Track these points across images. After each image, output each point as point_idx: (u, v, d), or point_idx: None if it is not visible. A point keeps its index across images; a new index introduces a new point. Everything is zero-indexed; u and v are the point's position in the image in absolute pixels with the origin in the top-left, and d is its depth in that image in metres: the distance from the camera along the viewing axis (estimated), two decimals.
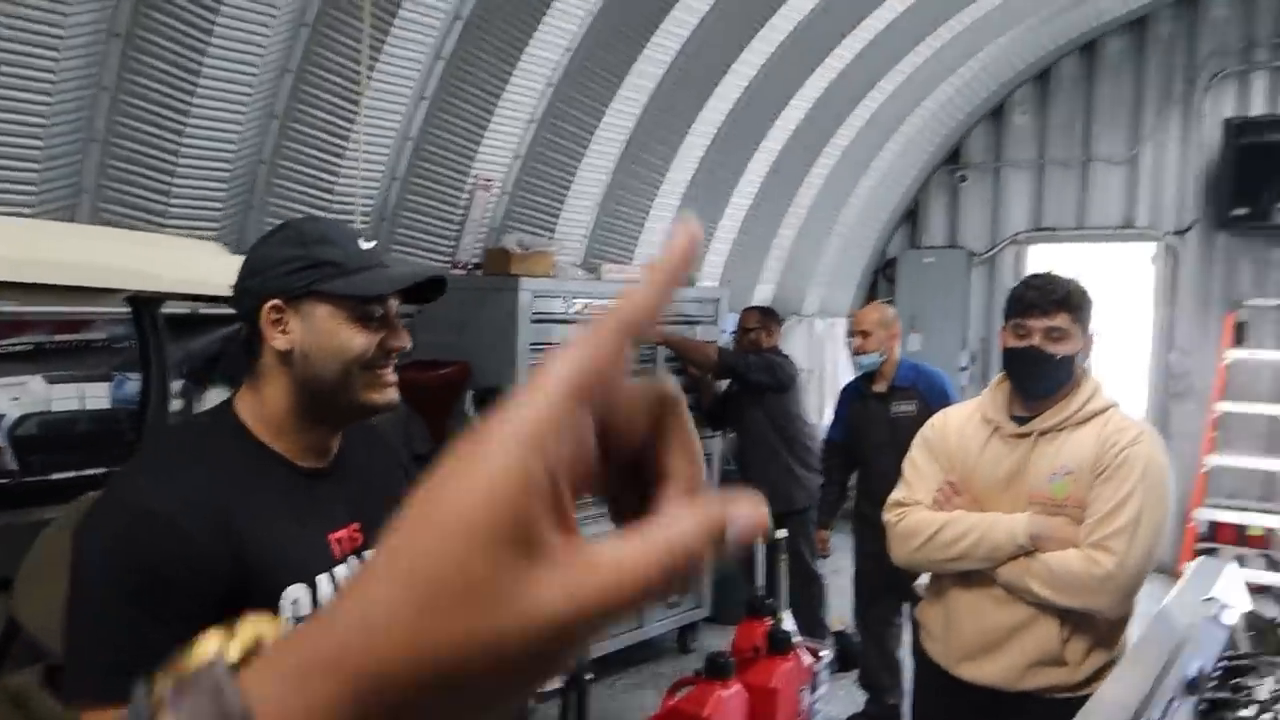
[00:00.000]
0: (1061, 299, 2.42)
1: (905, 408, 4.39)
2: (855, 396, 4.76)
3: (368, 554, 1.45)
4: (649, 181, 6.16)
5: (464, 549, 0.33)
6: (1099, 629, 2.38)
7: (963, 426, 2.59)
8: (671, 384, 0.40)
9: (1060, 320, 2.41)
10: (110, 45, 3.96)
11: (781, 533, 4.60)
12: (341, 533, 1.47)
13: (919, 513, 2.52)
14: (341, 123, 4.62)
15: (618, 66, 5.54)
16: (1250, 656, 2.42)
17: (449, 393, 4.74)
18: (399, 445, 1.79)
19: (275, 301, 1.42)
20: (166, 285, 2.51)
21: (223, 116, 4.31)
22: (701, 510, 0.37)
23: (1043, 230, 8.34)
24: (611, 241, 6.14)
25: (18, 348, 3.77)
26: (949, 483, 2.52)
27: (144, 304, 2.98)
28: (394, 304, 1.47)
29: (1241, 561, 6.91)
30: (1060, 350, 2.41)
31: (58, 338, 3.88)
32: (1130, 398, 7.42)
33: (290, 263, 1.42)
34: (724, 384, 5.52)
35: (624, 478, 0.40)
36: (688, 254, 0.41)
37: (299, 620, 1.34)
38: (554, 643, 0.34)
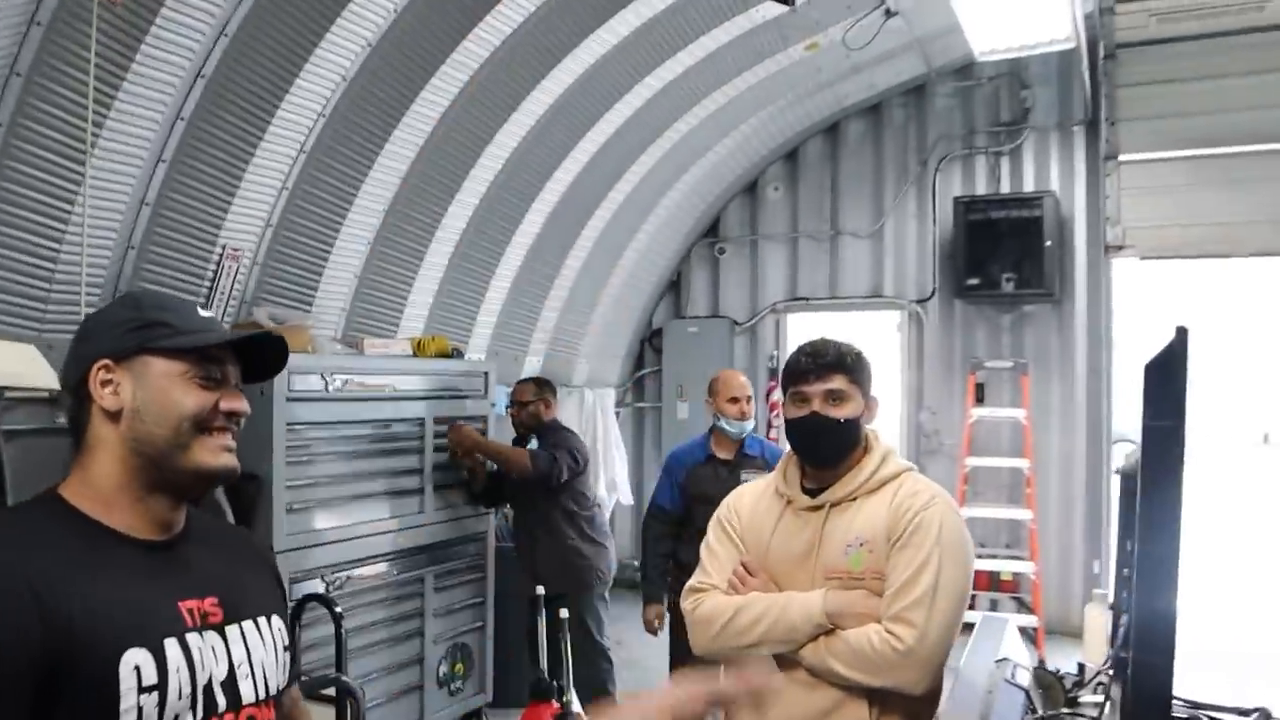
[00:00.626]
0: (835, 361, 2.42)
1: (751, 476, 4.47)
2: (696, 463, 4.80)
3: (231, 630, 1.44)
4: (410, 254, 6.07)
5: None
6: (910, 706, 2.29)
7: (755, 504, 2.54)
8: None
9: (837, 382, 2.40)
10: None
11: (564, 612, 4.55)
12: (192, 603, 1.41)
13: (714, 598, 2.44)
14: (66, 185, 4.30)
15: (375, 135, 5.45)
16: (1049, 717, 2.58)
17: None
18: (259, 547, 1.74)
19: (105, 361, 1.41)
20: None
21: None
22: None
23: (799, 300, 8.84)
24: (373, 315, 5.98)
25: None
26: (743, 564, 2.45)
27: None
28: (233, 370, 1.48)
29: (994, 605, 7.55)
30: (841, 413, 2.39)
31: None
32: None
33: (124, 324, 1.44)
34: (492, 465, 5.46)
35: None
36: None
37: (144, 690, 1.30)
38: None
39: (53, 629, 1.26)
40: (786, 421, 2.49)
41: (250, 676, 1.45)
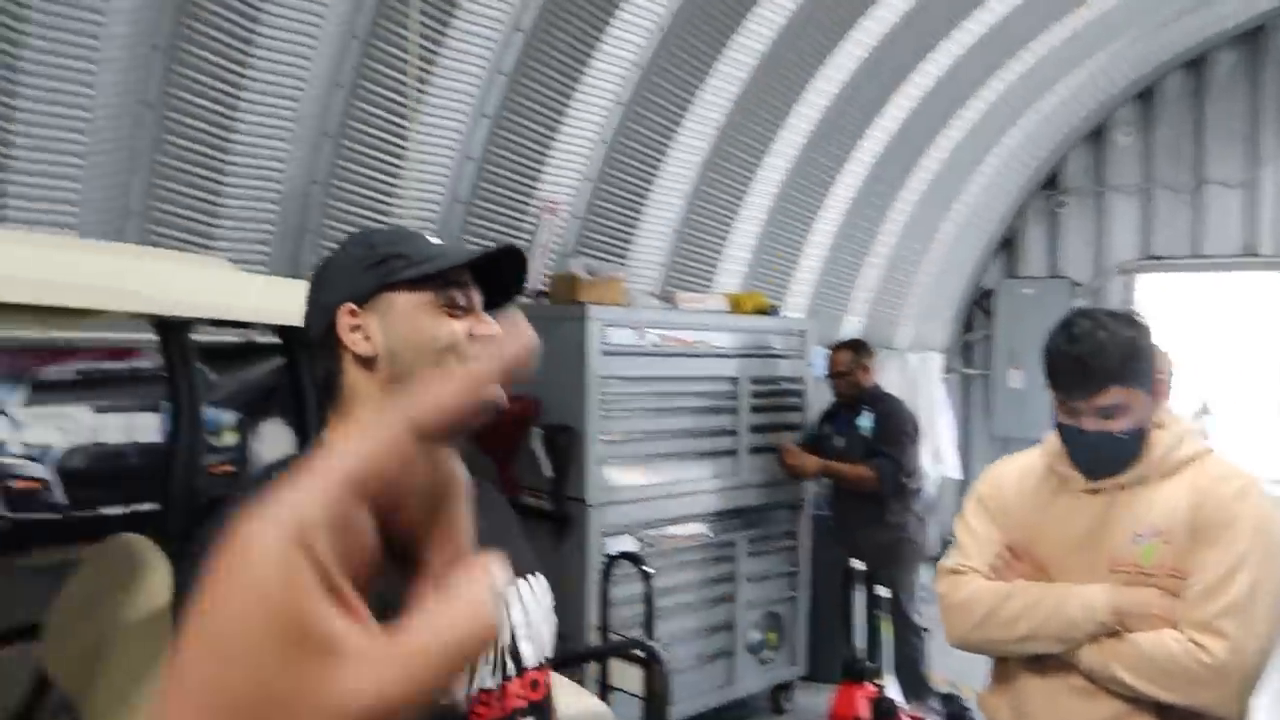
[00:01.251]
0: (1108, 373, 1.96)
1: None
2: None
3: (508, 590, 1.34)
4: (727, 207, 5.91)
5: (254, 663, 0.34)
6: None
7: (1022, 480, 2.19)
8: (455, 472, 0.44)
9: (1112, 396, 1.96)
10: (152, 58, 3.85)
11: (884, 591, 4.24)
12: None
13: (975, 582, 2.11)
14: (397, 141, 4.46)
15: (689, 85, 5.32)
16: None
17: (515, 430, 4.49)
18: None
19: (349, 305, 1.31)
20: (185, 309, 2.29)
21: (271, 134, 4.17)
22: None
23: (1152, 259, 7.89)
24: (688, 270, 5.88)
25: (63, 376, 3.62)
26: (1008, 547, 2.12)
27: (171, 329, 2.78)
28: (476, 296, 1.34)
29: None
30: (1120, 427, 1.98)
31: (105, 365, 3.72)
32: (1261, 441, 6.94)
33: (360, 263, 1.33)
34: (823, 427, 5.20)
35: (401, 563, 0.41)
36: (509, 360, 0.43)
37: None
38: None
39: None
40: (1056, 422, 2.09)
41: (529, 638, 1.35)
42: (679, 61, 5.20)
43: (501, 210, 5.00)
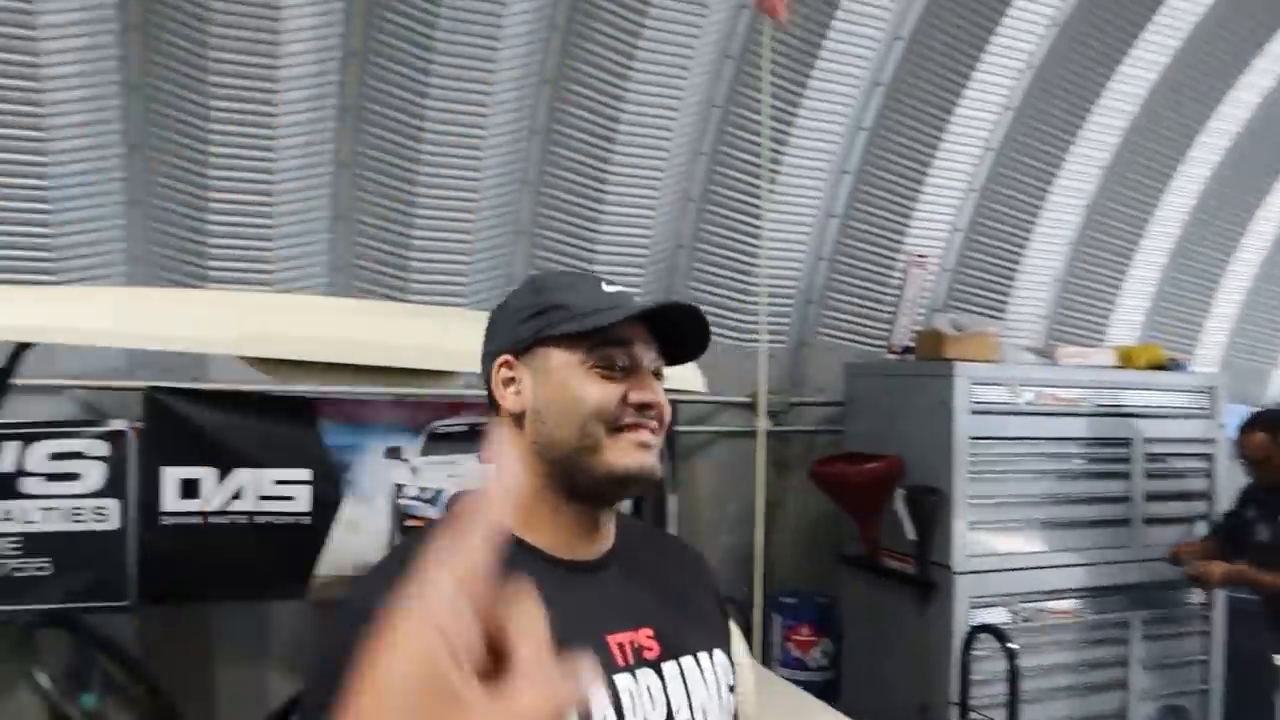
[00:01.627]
0: None
1: None
2: None
3: (668, 667, 1.22)
4: (1118, 252, 5.42)
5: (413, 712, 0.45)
6: None
7: None
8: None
9: None
10: (531, 141, 4.24)
11: None
12: (624, 636, 1.21)
13: None
14: (758, 202, 4.57)
15: (1067, 124, 4.97)
16: None
17: (877, 489, 4.37)
18: (701, 563, 1.47)
19: (505, 357, 1.26)
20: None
21: (638, 203, 4.43)
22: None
23: None
24: (1074, 321, 5.46)
25: (455, 428, 4.04)
26: None
27: None
28: (645, 353, 1.25)
29: None
30: None
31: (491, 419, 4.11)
32: None
33: (521, 312, 1.26)
34: (1244, 509, 4.48)
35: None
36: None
37: None
38: None
39: None
40: None
41: None
42: (1054, 97, 4.89)
43: (866, 266, 4.95)
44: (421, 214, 4.09)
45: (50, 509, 3.39)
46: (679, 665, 1.24)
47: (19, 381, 3.50)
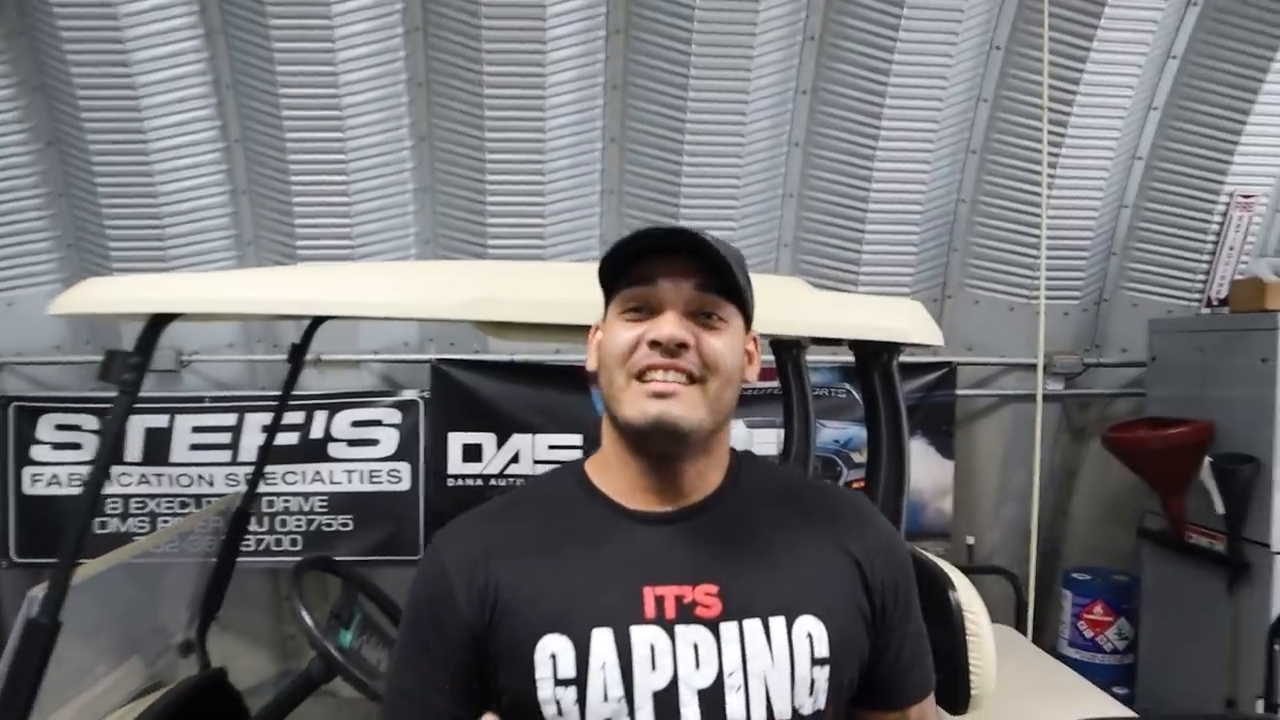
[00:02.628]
0: None
1: None
2: None
3: (726, 628, 1.18)
4: None
5: None
6: None
7: None
8: None
9: None
10: (798, 101, 4.20)
11: None
12: (670, 589, 1.19)
13: None
14: (1040, 149, 4.26)
15: None
16: None
17: (1181, 458, 3.99)
18: (858, 524, 1.33)
19: (595, 323, 1.30)
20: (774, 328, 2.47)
21: (911, 157, 4.28)
22: None
23: None
24: None
25: None
26: None
27: (785, 348, 3.01)
28: (674, 292, 1.20)
29: None
30: None
31: (758, 384, 4.16)
32: None
33: (602, 275, 1.29)
34: None
35: None
36: None
37: (560, 683, 1.15)
38: None
39: (483, 605, 1.20)
40: None
41: (742, 689, 1.16)
42: None
43: (1178, 211, 4.48)
44: (688, 181, 4.18)
45: (352, 470, 3.83)
46: (740, 627, 1.18)
47: (328, 357, 3.99)
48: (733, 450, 1.32)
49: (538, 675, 1.15)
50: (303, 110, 3.91)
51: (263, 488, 3.70)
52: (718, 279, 1.21)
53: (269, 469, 3.64)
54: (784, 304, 2.52)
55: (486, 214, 4.09)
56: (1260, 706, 3.44)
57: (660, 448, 1.21)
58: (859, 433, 4.30)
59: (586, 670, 1.15)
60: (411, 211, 4.14)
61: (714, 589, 1.19)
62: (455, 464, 3.87)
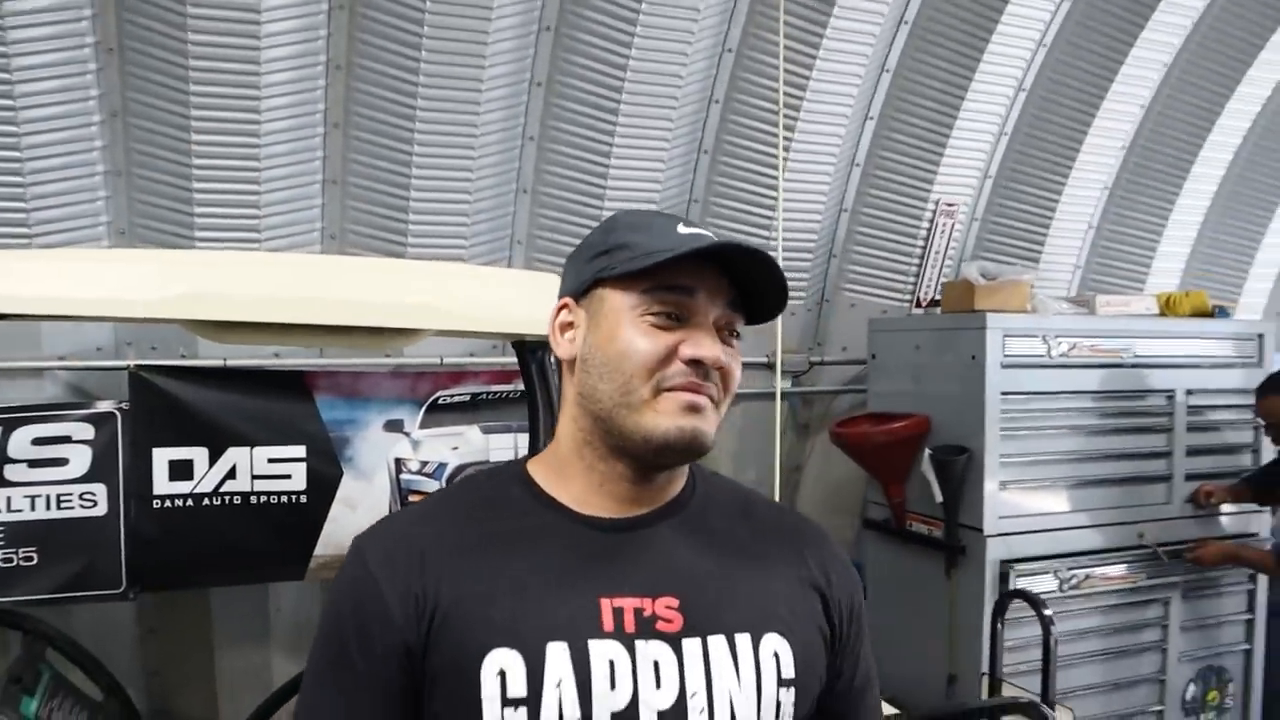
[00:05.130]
0: None
1: None
2: None
3: (689, 644, 1.12)
4: (1158, 197, 5.22)
5: None
6: None
7: None
8: None
9: None
10: (533, 94, 4.10)
11: None
12: (629, 600, 1.12)
13: None
14: (773, 152, 4.40)
15: (1105, 61, 4.76)
16: None
17: (902, 450, 4.26)
18: (810, 545, 1.30)
19: (565, 300, 1.22)
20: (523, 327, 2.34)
21: (642, 155, 4.29)
22: None
23: None
24: (1112, 270, 5.28)
25: (457, 398, 3.95)
26: None
27: (528, 348, 2.88)
28: (709, 306, 1.14)
29: None
30: None
31: (493, 388, 4.02)
32: None
33: (587, 252, 1.21)
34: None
35: None
36: None
37: (509, 703, 1.06)
38: None
39: (419, 615, 1.11)
40: None
41: (706, 710, 1.11)
42: (1092, 33, 4.67)
43: (891, 217, 4.80)
44: (419, 173, 3.97)
45: (35, 496, 3.33)
46: (704, 643, 1.13)
47: (3, 364, 3.46)
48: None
49: (484, 694, 1.07)
50: None
51: None
52: (744, 300, 1.17)
53: None
54: (533, 301, 2.41)
55: (193, 202, 3.69)
56: (985, 682, 3.70)
57: (670, 462, 1.17)
58: None
59: (540, 688, 1.07)
60: (103, 197, 3.66)
61: (675, 602, 1.14)
62: (162, 483, 3.45)
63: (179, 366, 3.64)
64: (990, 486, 4.04)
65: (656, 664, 1.10)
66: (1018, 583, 3.95)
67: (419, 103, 3.88)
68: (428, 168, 3.98)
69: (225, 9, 3.52)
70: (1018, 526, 4.09)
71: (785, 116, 4.23)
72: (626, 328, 1.13)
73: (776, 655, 1.15)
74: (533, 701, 1.06)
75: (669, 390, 1.12)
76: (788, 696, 1.15)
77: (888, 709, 2.92)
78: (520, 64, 4.05)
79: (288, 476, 3.62)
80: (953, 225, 4.87)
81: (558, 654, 1.08)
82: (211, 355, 3.75)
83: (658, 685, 1.10)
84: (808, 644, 1.19)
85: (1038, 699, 3.24)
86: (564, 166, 4.23)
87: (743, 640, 1.14)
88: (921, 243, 4.85)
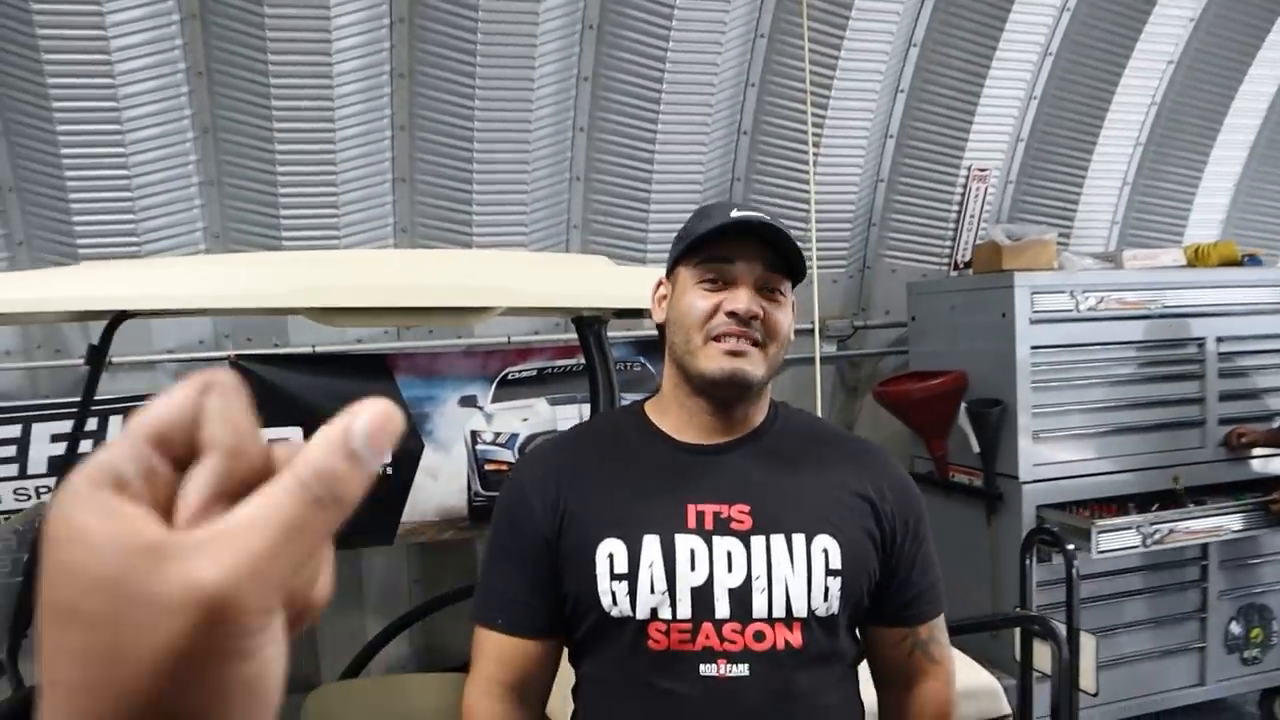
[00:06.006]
0: None
1: None
2: None
3: (755, 540, 1.47)
4: (1192, 150, 5.41)
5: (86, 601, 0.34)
6: None
7: None
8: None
9: None
10: (580, 88, 4.46)
11: None
12: (710, 506, 1.48)
13: None
14: (805, 130, 4.70)
15: (1131, 17, 4.97)
16: None
17: (941, 406, 4.55)
18: (873, 465, 1.62)
19: (660, 277, 1.61)
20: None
21: (689, 138, 4.62)
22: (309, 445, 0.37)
23: None
24: (1148, 224, 5.49)
25: (524, 373, 4.34)
26: None
27: (586, 323, 3.23)
28: (748, 269, 1.48)
29: None
30: None
31: (557, 363, 4.40)
32: None
33: (676, 240, 1.58)
34: None
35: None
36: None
37: (615, 577, 1.45)
38: (220, 621, 0.34)
39: (561, 513, 1.51)
40: None
41: (766, 591, 1.45)
42: None
43: (925, 184, 5.07)
44: (479, 168, 4.35)
45: None
46: (767, 540, 1.47)
47: (118, 359, 3.93)
48: (772, 400, 1.63)
49: (597, 571, 1.46)
50: (75, 101, 3.82)
51: None
52: (783, 262, 1.50)
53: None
54: (589, 280, 2.78)
55: (279, 205, 4.13)
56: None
57: (726, 395, 1.52)
58: None
59: (637, 567, 1.45)
60: (199, 205, 4.12)
61: (746, 508, 1.49)
62: None
63: (273, 354, 4.09)
64: (1024, 436, 4.32)
65: (730, 554, 1.46)
66: (1102, 543, 4.14)
67: (476, 103, 4.26)
68: (487, 162, 4.36)
69: (299, 31, 3.95)
70: (1053, 473, 4.36)
71: (817, 94, 4.53)
72: (687, 293, 1.50)
73: (825, 551, 1.48)
74: (631, 576, 1.45)
75: (715, 339, 1.47)
76: (835, 583, 1.48)
77: None
78: (567, 61, 4.41)
79: None
80: (985, 189, 5.13)
81: (651, 543, 1.45)
82: (301, 343, 4.19)
83: (729, 569, 1.45)
84: (854, 542, 1.51)
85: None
86: (613, 154, 4.59)
87: (798, 539, 1.48)
88: (956, 208, 5.11)
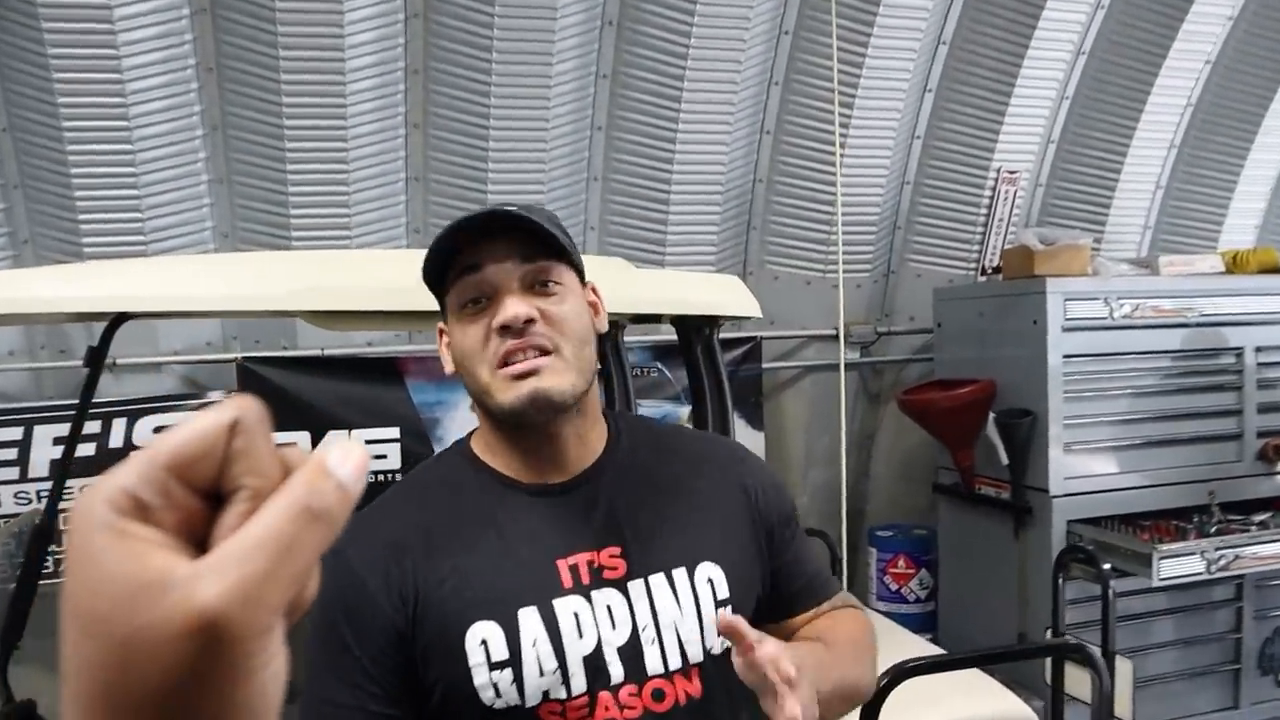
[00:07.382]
0: None
1: None
2: None
3: (634, 586, 1.29)
4: (1228, 153, 5.30)
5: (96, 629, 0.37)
6: None
7: None
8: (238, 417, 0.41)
9: None
10: (599, 86, 4.38)
11: None
12: (581, 556, 1.28)
13: None
14: (832, 129, 4.62)
15: (1167, 17, 4.86)
16: None
17: (968, 415, 4.46)
18: (738, 465, 1.46)
19: (440, 325, 1.36)
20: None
21: (710, 139, 4.54)
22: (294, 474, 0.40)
23: None
24: (1182, 230, 5.39)
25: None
26: None
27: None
28: (501, 273, 1.25)
29: None
30: None
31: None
32: None
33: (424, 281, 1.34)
34: None
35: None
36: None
37: (495, 666, 1.22)
38: (222, 642, 0.36)
39: (404, 603, 1.24)
40: None
41: (656, 642, 1.27)
42: None
43: (953, 187, 4.98)
44: (495, 167, 4.29)
45: None
46: (646, 584, 1.28)
47: (125, 361, 3.87)
48: (605, 410, 1.42)
49: (471, 663, 1.21)
50: (82, 96, 3.77)
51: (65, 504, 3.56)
52: (541, 245, 1.27)
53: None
54: (606, 283, 2.69)
55: (289, 205, 4.07)
56: (1048, 637, 3.90)
57: (538, 422, 1.28)
58: (674, 410, 4.56)
59: (519, 650, 1.22)
60: (208, 204, 4.06)
61: (617, 550, 1.29)
62: None
63: (281, 357, 4.03)
64: (1055, 448, 4.22)
65: (610, 608, 1.26)
66: (1163, 569, 3.94)
67: (492, 101, 4.20)
68: (503, 162, 4.31)
69: (311, 25, 3.89)
70: (1084, 487, 4.27)
71: (843, 93, 4.45)
72: (456, 330, 1.28)
73: (710, 580, 1.31)
74: (514, 662, 1.21)
75: (499, 369, 1.24)
76: (718, 614, 1.28)
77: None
78: (585, 59, 4.34)
79: (384, 456, 3.99)
80: (1015, 192, 5.04)
81: (529, 618, 1.23)
82: (310, 346, 4.13)
83: (613, 626, 1.26)
84: (738, 563, 1.35)
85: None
86: (632, 154, 4.52)
87: (679, 574, 1.30)
88: (984, 211, 5.03)
